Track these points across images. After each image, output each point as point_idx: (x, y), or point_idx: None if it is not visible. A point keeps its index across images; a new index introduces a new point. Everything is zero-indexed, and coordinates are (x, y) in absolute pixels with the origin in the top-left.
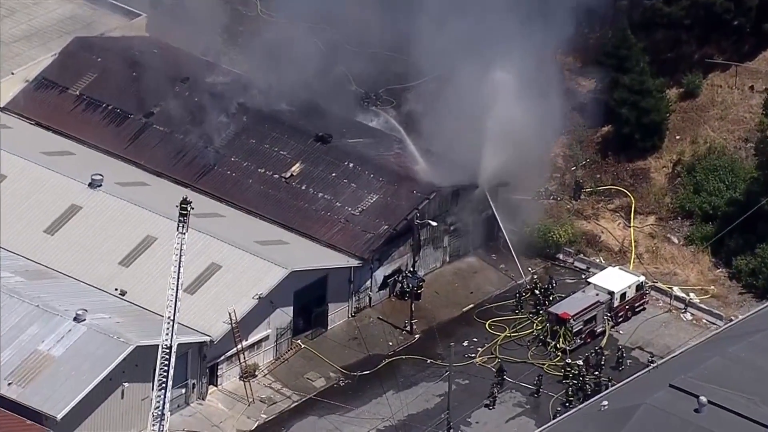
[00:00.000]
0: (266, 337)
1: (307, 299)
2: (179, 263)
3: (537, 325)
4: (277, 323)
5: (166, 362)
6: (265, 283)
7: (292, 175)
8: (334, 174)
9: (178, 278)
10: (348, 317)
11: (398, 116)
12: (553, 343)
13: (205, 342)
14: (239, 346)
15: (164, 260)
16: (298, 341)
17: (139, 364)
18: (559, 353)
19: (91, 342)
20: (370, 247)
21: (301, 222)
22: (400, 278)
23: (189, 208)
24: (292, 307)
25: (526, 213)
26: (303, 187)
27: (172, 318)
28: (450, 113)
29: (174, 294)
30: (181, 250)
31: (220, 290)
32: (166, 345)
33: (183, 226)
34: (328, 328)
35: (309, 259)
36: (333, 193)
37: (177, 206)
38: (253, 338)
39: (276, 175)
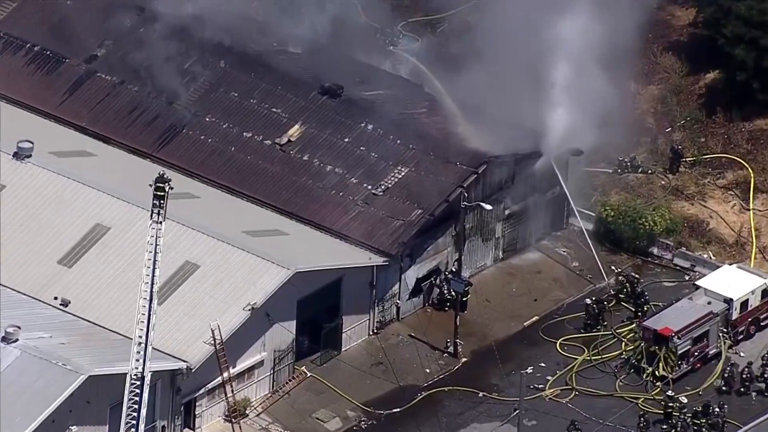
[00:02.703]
0: (260, 363)
1: (315, 311)
2: (154, 263)
3: (627, 344)
4: (275, 343)
5: (136, 397)
6: (258, 289)
7: (289, 140)
8: (347, 139)
9: (153, 283)
10: (369, 334)
11: (426, 59)
12: (650, 369)
13: (179, 369)
14: (225, 375)
15: (120, 258)
16: (303, 368)
17: (92, 401)
18: (659, 383)
19: (27, 370)
20: (398, 239)
21: (304, 205)
22: (439, 281)
23: (167, 188)
24: (294, 322)
25: (606, 192)
26: (305, 157)
27: (145, 336)
28: (500, 55)
29: (147, 305)
30: (156, 245)
31: (199, 299)
32: (136, 374)
33: (159, 213)
34: (343, 349)
35: (316, 256)
36: (346, 165)
37: (151, 185)
38: (243, 364)
39: (268, 141)
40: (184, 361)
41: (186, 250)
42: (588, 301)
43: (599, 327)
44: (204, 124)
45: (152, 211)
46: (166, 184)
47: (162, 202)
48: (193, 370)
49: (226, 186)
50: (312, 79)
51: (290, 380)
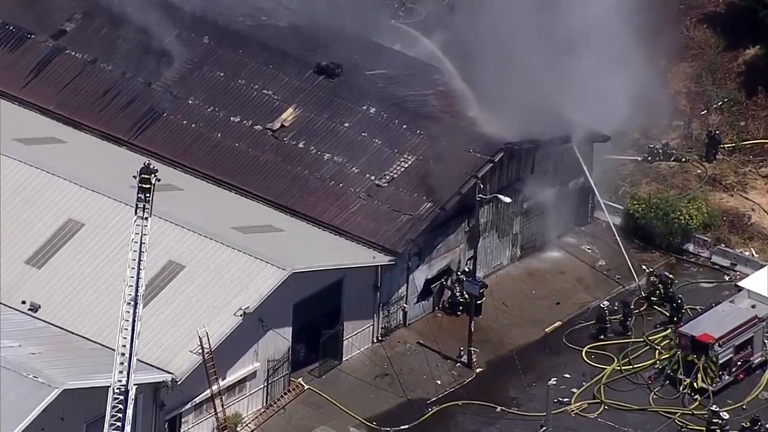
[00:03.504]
0: (253, 374)
1: (313, 316)
2: (139, 264)
3: (661, 353)
4: (269, 352)
5: (120, 413)
6: (251, 292)
7: (282, 126)
8: (347, 124)
9: (137, 286)
10: (373, 342)
11: (431, 33)
12: (688, 380)
13: (163, 382)
14: (214, 388)
15: (96, 257)
16: (300, 380)
17: (66, 417)
18: (698, 396)
19: None
20: (405, 236)
21: (300, 198)
22: (451, 283)
23: (154, 180)
24: (290, 329)
25: (636, 182)
26: (300, 145)
27: (129, 345)
28: (515, 29)
29: (131, 310)
30: (141, 244)
31: (184, 303)
32: (119, 387)
33: (144, 208)
34: (344, 359)
35: (314, 255)
36: (346, 152)
37: (135, 176)
38: (233, 376)
39: (258, 127)
40: (169, 373)
41: (169, 248)
42: (604, 304)
43: (629, 333)
44: (186, 108)
45: (137, 205)
46: (153, 175)
47: (148, 195)
48: (178, 383)
49: (212, 177)
50: (307, 57)
51: (286, 393)
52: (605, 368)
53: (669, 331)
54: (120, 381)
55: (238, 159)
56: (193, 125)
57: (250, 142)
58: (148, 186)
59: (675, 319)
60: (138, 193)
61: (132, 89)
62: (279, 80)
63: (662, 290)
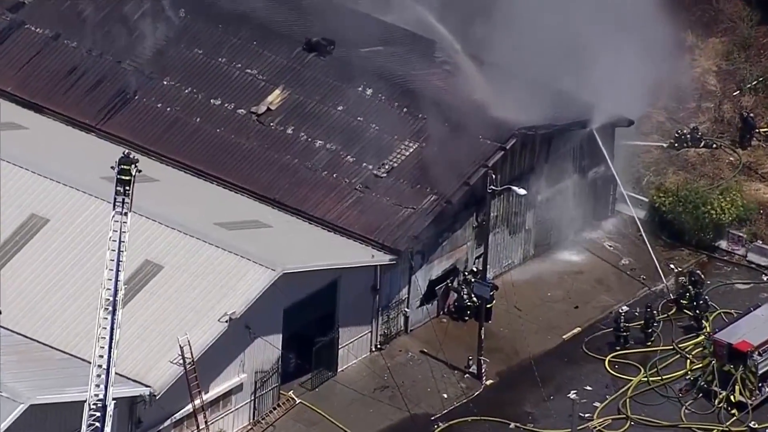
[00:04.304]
0: (239, 387)
1: (306, 322)
2: (117, 265)
3: (693, 362)
4: (256, 363)
5: (96, 430)
6: (237, 295)
7: (269, 109)
8: (340, 107)
9: (116, 290)
10: (371, 350)
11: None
12: (724, 393)
13: (139, 396)
14: (196, 402)
15: (62, 257)
16: (291, 393)
17: None
18: (735, 411)
19: None
20: (407, 232)
21: (289, 190)
22: (457, 284)
23: (134, 172)
24: (280, 336)
25: (662, 171)
26: (289, 131)
27: (107, 355)
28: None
29: (110, 316)
30: (120, 243)
31: (163, 307)
32: (96, 401)
33: (123, 203)
34: (339, 369)
35: (306, 254)
36: (340, 139)
37: (113, 167)
38: (217, 388)
39: (242, 110)
40: (146, 386)
41: (146, 247)
42: (623, 309)
43: (651, 341)
44: (161, 89)
45: (115, 199)
46: (133, 166)
47: (127, 188)
48: (156, 397)
49: (191, 167)
50: (296, 32)
51: (275, 408)
52: (631, 379)
53: (702, 337)
54: (97, 395)
55: (219, 147)
56: (168, 109)
57: (233, 127)
58: (128, 178)
59: (699, 323)
60: (116, 185)
61: (100, 69)
62: (264, 58)
63: (692, 292)
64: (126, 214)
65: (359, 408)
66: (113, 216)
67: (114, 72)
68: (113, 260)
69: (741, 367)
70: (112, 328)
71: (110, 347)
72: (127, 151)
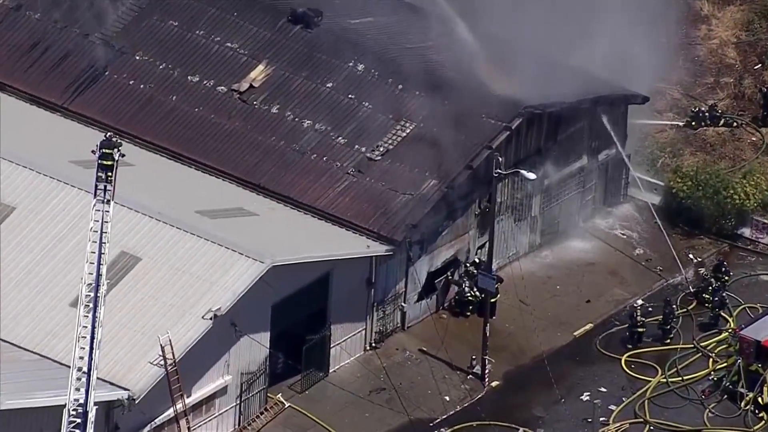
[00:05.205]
0: (224, 389)
1: (295, 318)
2: (99, 258)
3: (716, 361)
4: (242, 363)
5: None
6: (222, 290)
7: (251, 86)
8: (329, 84)
9: (98, 284)
10: (366, 349)
11: None
12: (751, 395)
13: (117, 400)
14: (178, 407)
15: (30, 248)
16: (279, 396)
17: None
18: (763, 414)
19: None
20: (404, 221)
21: (276, 174)
22: (458, 276)
23: (116, 157)
24: (268, 334)
25: (678, 153)
26: (274, 110)
27: (88, 356)
28: None
29: (91, 315)
30: (102, 233)
31: (141, 304)
32: (76, 406)
33: (106, 190)
34: (331, 370)
35: (295, 245)
36: (330, 119)
37: (94, 151)
38: (201, 391)
39: (222, 88)
40: (124, 389)
41: (121, 237)
42: (638, 303)
43: (670, 338)
44: (133, 65)
45: (96, 186)
46: (116, 150)
47: (110, 174)
48: (135, 401)
49: (168, 149)
50: (280, 2)
51: (263, 413)
52: (649, 380)
53: (725, 334)
54: (77, 400)
55: (198, 127)
56: (142, 86)
57: (213, 106)
58: (110, 163)
59: (717, 321)
60: (98, 171)
61: (66, 42)
62: (246, 31)
63: (714, 286)
64: (108, 202)
65: (353, 412)
66: (94, 205)
67: (81, 46)
68: (94, 253)
69: None
70: (93, 327)
71: (92, 348)
72: (109, 133)
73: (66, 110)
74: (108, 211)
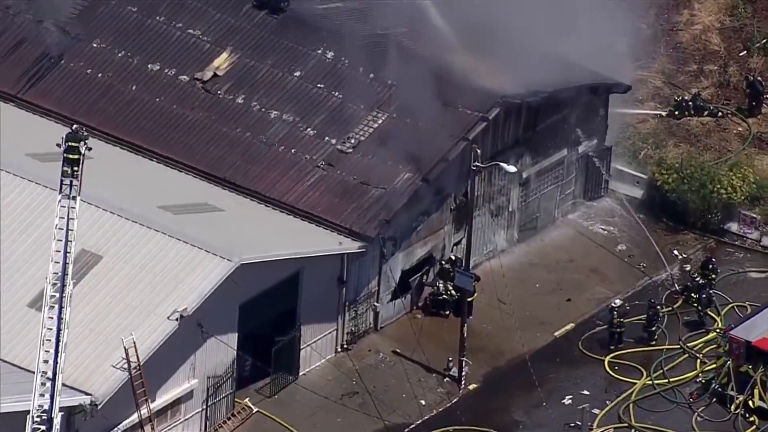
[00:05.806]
0: (189, 394)
1: (263, 319)
2: (65, 257)
3: (704, 362)
4: (209, 366)
5: None
6: (187, 289)
7: (215, 75)
8: (297, 72)
9: (64, 285)
10: (337, 351)
11: None
12: (742, 398)
13: (79, 406)
14: (142, 412)
15: None
16: (247, 400)
17: None
18: (754, 418)
19: None
20: (377, 216)
21: (242, 168)
22: (433, 275)
23: (83, 150)
24: (236, 335)
25: (661, 144)
26: (239, 100)
27: (53, 360)
28: None
29: (56, 315)
30: (68, 231)
31: (103, 304)
32: (40, 413)
33: (72, 185)
34: (301, 372)
35: (264, 241)
36: (298, 109)
37: (59, 144)
38: (166, 396)
39: (184, 77)
40: (86, 394)
41: (81, 234)
42: (616, 302)
43: (655, 340)
44: (90, 53)
45: (62, 182)
46: (82, 143)
47: (76, 169)
48: (98, 406)
49: (128, 141)
50: None
51: (230, 418)
52: (634, 383)
53: (713, 334)
54: (42, 406)
55: (159, 118)
56: (99, 75)
57: (175, 96)
58: (76, 157)
59: (702, 320)
60: (63, 165)
61: (18, 29)
62: (209, 17)
63: (699, 283)
64: (75, 198)
65: (325, 417)
66: (59, 201)
67: (35, 33)
68: (59, 251)
69: (761, 367)
70: (58, 329)
71: (57, 350)
72: (76, 126)
73: (20, 100)
74: (74, 207)
